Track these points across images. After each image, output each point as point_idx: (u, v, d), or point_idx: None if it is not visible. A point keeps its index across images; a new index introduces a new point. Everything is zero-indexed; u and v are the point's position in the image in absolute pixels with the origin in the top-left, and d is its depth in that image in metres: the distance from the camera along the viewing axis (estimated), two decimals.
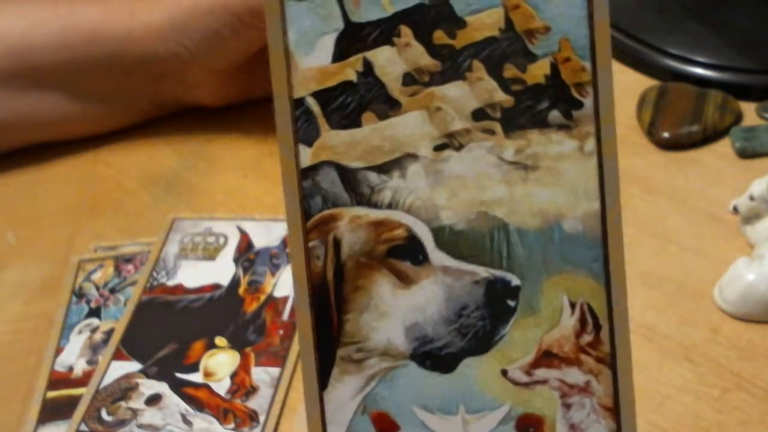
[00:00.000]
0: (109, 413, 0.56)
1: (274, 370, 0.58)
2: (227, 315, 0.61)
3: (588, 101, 0.41)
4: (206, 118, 0.77)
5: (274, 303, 0.62)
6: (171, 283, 0.63)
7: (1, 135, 0.75)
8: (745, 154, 0.69)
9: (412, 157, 0.41)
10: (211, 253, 0.65)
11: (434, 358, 0.42)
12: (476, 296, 0.42)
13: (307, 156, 0.41)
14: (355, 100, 0.41)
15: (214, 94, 0.76)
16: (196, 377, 0.58)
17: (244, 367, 0.58)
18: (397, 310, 0.42)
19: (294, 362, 0.58)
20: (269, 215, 0.67)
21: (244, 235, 0.66)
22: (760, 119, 0.71)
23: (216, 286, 0.63)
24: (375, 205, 0.42)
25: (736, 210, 0.62)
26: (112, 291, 0.64)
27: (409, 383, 0.42)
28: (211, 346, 0.59)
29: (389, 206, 0.42)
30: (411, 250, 0.42)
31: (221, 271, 0.64)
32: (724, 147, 0.70)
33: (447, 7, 0.41)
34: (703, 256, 0.62)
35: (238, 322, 0.61)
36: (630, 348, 0.41)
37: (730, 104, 0.71)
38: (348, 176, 0.42)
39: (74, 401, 0.57)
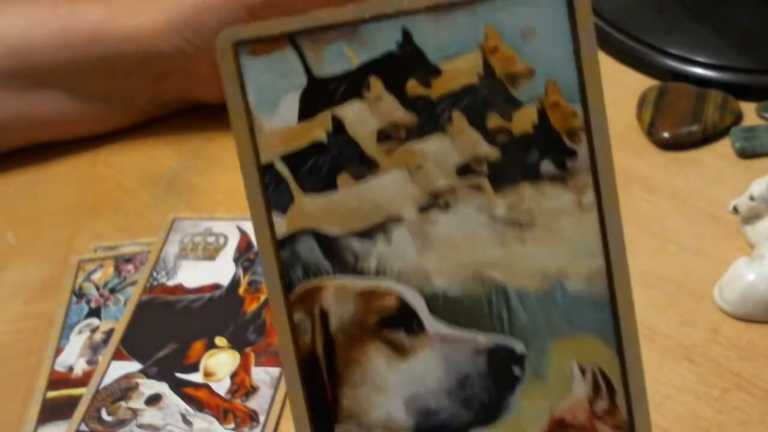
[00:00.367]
0: (109, 413, 0.56)
1: (274, 370, 0.58)
2: (227, 315, 0.61)
3: (582, 149, 0.38)
4: (207, 118, 0.77)
5: None
6: (171, 283, 0.63)
7: (2, 135, 0.75)
8: (745, 154, 0.69)
9: (396, 220, 0.38)
10: (211, 253, 0.65)
11: (439, 430, 0.40)
12: (479, 366, 0.39)
13: (282, 225, 0.39)
14: (328, 162, 0.38)
15: (218, 90, 0.76)
16: (196, 377, 0.58)
17: (244, 367, 0.58)
18: (395, 383, 0.39)
19: None
20: None
21: (244, 235, 0.66)
22: (760, 119, 0.71)
23: (216, 286, 0.63)
24: (361, 273, 0.39)
25: (736, 210, 0.62)
26: (112, 291, 0.64)
27: None
28: (211, 346, 0.59)
29: (376, 274, 0.39)
30: (404, 320, 0.39)
31: (221, 271, 0.64)
32: (724, 147, 0.70)
33: (418, 54, 0.38)
34: (703, 256, 0.62)
35: (238, 322, 0.61)
36: (649, 414, 0.39)
37: (730, 104, 0.71)
38: (328, 244, 0.39)
39: (74, 401, 0.57)
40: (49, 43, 0.72)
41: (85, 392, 0.57)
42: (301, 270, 0.39)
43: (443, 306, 0.39)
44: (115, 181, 0.74)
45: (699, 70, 0.74)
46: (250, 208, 0.39)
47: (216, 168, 0.74)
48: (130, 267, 0.65)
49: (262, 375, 0.58)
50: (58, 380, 0.59)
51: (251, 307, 0.61)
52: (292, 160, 0.38)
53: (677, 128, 0.70)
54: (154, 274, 0.64)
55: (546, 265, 0.38)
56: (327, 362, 0.39)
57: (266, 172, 0.38)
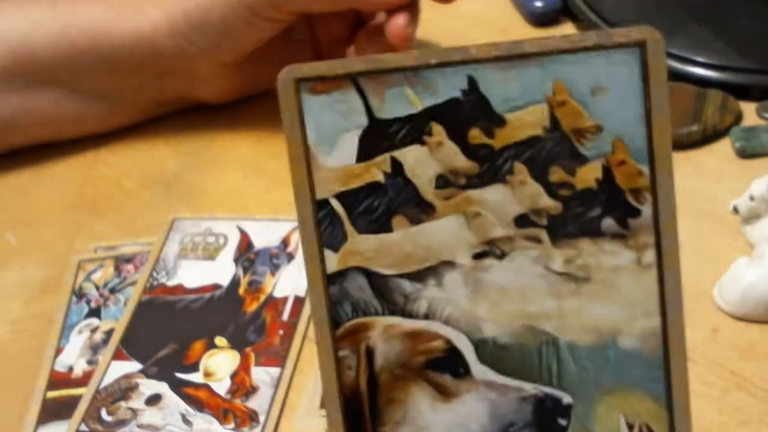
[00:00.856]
0: (109, 413, 0.56)
1: (274, 370, 0.58)
2: (227, 315, 0.61)
3: (646, 209, 0.37)
4: (206, 118, 0.77)
5: (274, 303, 0.61)
6: (171, 283, 0.63)
7: (2, 134, 0.75)
8: (745, 154, 0.69)
9: (449, 265, 0.38)
10: (211, 253, 0.65)
11: None
12: (524, 414, 0.39)
13: (333, 261, 0.39)
14: (384, 203, 0.38)
15: (220, 88, 0.76)
16: (196, 377, 0.58)
17: (244, 367, 0.58)
18: (437, 426, 0.39)
19: (294, 362, 0.58)
20: (269, 215, 0.67)
21: (244, 235, 0.66)
22: (760, 119, 0.71)
23: (216, 286, 0.63)
24: (410, 315, 0.39)
25: (736, 210, 0.62)
26: (112, 291, 0.64)
27: None
28: (211, 346, 0.59)
29: (426, 317, 0.39)
30: (451, 363, 0.39)
31: (221, 271, 0.64)
32: (724, 147, 0.70)
33: (483, 102, 0.37)
34: (702, 256, 0.62)
35: (238, 322, 0.61)
36: None
37: (730, 104, 0.71)
38: (379, 283, 0.39)
39: (74, 401, 0.57)
40: (50, 42, 0.72)
41: (85, 392, 0.57)
42: (349, 306, 0.39)
43: (492, 353, 0.39)
44: (115, 181, 0.74)
45: (699, 70, 0.74)
46: (302, 242, 0.39)
47: (216, 168, 0.73)
48: (130, 267, 0.65)
49: (262, 375, 0.58)
50: (58, 380, 0.59)
51: (251, 307, 0.61)
52: (348, 198, 0.38)
53: (677, 128, 0.70)
54: (154, 274, 0.64)
55: (600, 321, 0.38)
56: (369, 399, 0.39)
57: (321, 208, 0.38)
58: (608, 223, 0.38)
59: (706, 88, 0.73)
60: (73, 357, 0.60)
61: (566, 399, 0.38)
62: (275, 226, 0.66)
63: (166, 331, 0.60)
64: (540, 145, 0.38)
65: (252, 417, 0.56)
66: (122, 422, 0.56)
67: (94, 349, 0.60)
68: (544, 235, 0.38)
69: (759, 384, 0.55)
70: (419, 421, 0.39)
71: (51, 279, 0.66)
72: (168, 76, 0.74)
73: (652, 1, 0.81)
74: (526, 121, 0.37)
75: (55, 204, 0.73)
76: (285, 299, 0.62)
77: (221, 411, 0.56)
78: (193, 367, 0.58)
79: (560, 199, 0.38)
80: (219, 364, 0.58)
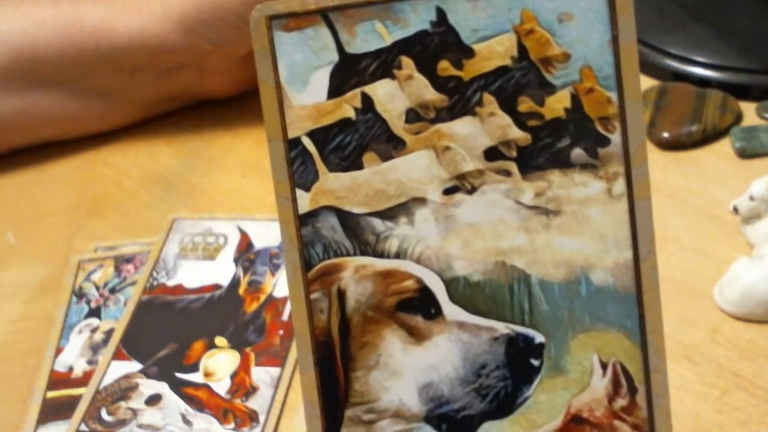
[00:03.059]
0: (109, 413, 0.56)
1: (274, 370, 0.58)
2: (227, 315, 0.61)
3: (615, 137, 0.37)
4: (206, 118, 0.77)
5: (274, 303, 0.61)
6: (171, 283, 0.63)
7: (5, 133, 0.75)
8: (745, 153, 0.69)
9: (420, 201, 0.38)
10: (211, 253, 0.65)
11: (451, 421, 0.39)
12: (496, 354, 0.38)
13: (305, 201, 0.38)
14: (355, 140, 0.38)
15: (230, 80, 0.76)
16: (196, 377, 0.58)
17: (244, 367, 0.58)
18: (409, 369, 0.38)
19: (294, 362, 0.58)
20: (269, 215, 0.67)
21: (244, 235, 0.66)
22: (760, 119, 0.71)
23: (216, 286, 0.63)
24: (381, 255, 0.38)
25: (736, 210, 0.62)
26: (112, 291, 0.64)
27: None
28: (211, 346, 0.59)
29: (397, 256, 0.38)
30: (422, 304, 0.38)
31: (221, 271, 0.64)
32: (724, 147, 0.70)
33: (452, 34, 0.37)
34: (703, 256, 0.62)
35: (238, 322, 0.61)
36: (670, 415, 0.38)
37: (730, 104, 0.71)
38: (350, 223, 0.38)
39: (74, 401, 0.57)
40: (52, 41, 0.72)
41: (85, 392, 0.57)
42: (321, 248, 0.38)
43: (463, 292, 0.38)
44: (115, 181, 0.74)
45: (699, 70, 0.74)
46: (274, 182, 0.38)
47: (216, 168, 0.73)
48: (130, 267, 0.65)
49: (262, 375, 0.58)
50: (58, 380, 0.59)
51: (251, 307, 0.61)
52: (319, 136, 0.38)
53: (677, 128, 0.70)
54: (154, 274, 0.64)
55: (572, 255, 0.38)
56: (341, 344, 0.39)
57: (293, 147, 0.38)
58: (578, 153, 0.37)
59: (706, 87, 0.73)
60: (73, 357, 0.60)
61: (539, 338, 0.38)
62: (275, 226, 0.66)
63: (166, 331, 0.60)
64: (508, 75, 0.37)
65: (252, 417, 0.56)
66: (122, 422, 0.56)
67: (94, 349, 0.60)
68: (513, 167, 0.37)
69: (759, 384, 0.55)
70: (391, 365, 0.38)
71: (51, 279, 0.66)
72: (177, 71, 0.74)
73: (652, 1, 0.81)
74: (495, 51, 0.37)
75: (55, 204, 0.73)
76: (285, 299, 0.62)
77: (221, 411, 0.56)
78: (193, 367, 0.58)
79: (529, 130, 0.37)
80: (219, 364, 0.58)
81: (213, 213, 0.69)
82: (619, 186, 0.37)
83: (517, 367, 0.38)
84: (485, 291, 0.38)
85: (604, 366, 0.38)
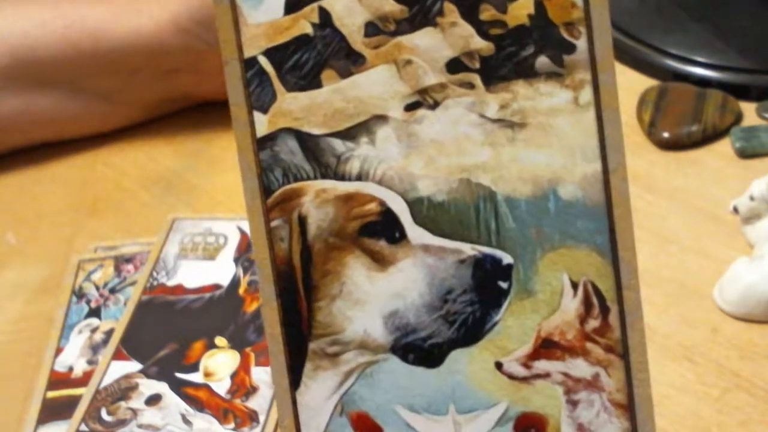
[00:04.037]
0: (109, 413, 0.56)
1: None
2: (227, 315, 0.61)
3: (581, 43, 0.35)
4: (207, 118, 0.77)
5: None
6: (171, 283, 0.63)
7: (4, 133, 0.75)
8: (745, 154, 0.69)
9: (381, 119, 0.36)
10: (211, 253, 0.65)
11: (418, 350, 0.37)
12: (463, 278, 0.37)
13: (263, 124, 0.37)
14: (313, 57, 0.36)
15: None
16: (196, 377, 0.58)
17: (244, 367, 0.58)
18: (373, 297, 0.37)
19: None
20: None
21: (244, 235, 0.66)
22: (760, 119, 0.71)
23: (216, 286, 0.63)
24: (342, 177, 0.37)
25: (736, 210, 0.62)
26: (112, 291, 0.64)
27: (391, 380, 0.38)
28: (211, 346, 0.59)
29: (359, 178, 0.37)
30: (386, 228, 0.37)
31: (221, 271, 0.64)
32: (724, 147, 0.70)
33: None
34: (703, 256, 0.62)
35: (238, 322, 0.61)
36: (644, 334, 0.36)
37: (730, 104, 0.71)
38: (310, 145, 0.37)
39: (74, 401, 0.57)
40: (52, 42, 0.72)
41: (85, 392, 0.57)
42: (280, 172, 0.37)
43: (427, 213, 0.37)
44: (115, 181, 0.74)
45: (699, 70, 0.74)
46: (231, 106, 0.37)
47: (216, 168, 0.73)
48: (130, 267, 0.65)
49: (262, 375, 0.57)
50: (58, 380, 0.58)
51: (251, 307, 0.61)
52: (276, 55, 0.37)
53: (677, 128, 0.70)
54: (154, 274, 0.64)
55: (539, 169, 0.36)
56: (303, 273, 0.37)
57: (249, 67, 0.37)
58: (542, 61, 0.36)
59: (706, 88, 0.73)
60: (73, 357, 0.60)
61: (506, 259, 0.36)
62: None
63: (166, 331, 0.60)
64: None
65: (252, 417, 0.56)
66: (122, 422, 0.56)
67: (94, 349, 0.60)
68: (477, 79, 0.36)
69: (759, 384, 0.55)
70: (355, 293, 0.37)
71: (51, 279, 0.66)
72: (175, 73, 0.74)
73: (652, 1, 0.81)
74: None
75: (55, 204, 0.73)
76: None
77: (221, 411, 0.56)
78: (193, 367, 0.58)
79: (492, 39, 0.36)
80: (219, 364, 0.58)
81: (213, 213, 0.69)
82: (586, 94, 0.36)
83: (485, 290, 0.37)
84: (450, 211, 0.37)
85: (574, 286, 0.37)
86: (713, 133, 0.70)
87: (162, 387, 0.57)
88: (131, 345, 0.60)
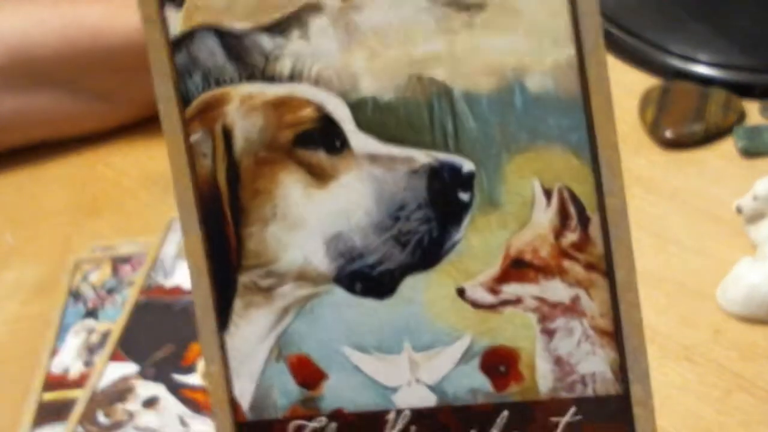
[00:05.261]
0: (105, 415, 0.56)
1: None
2: None
3: None
4: None
5: None
6: (168, 284, 0.63)
7: (3, 133, 0.75)
8: (748, 153, 0.68)
9: (314, 7, 0.31)
10: None
11: (366, 278, 0.33)
12: (416, 191, 0.32)
13: (177, 21, 0.33)
14: None
15: None
16: (194, 379, 0.58)
17: None
18: (312, 218, 0.32)
19: None
20: None
21: None
22: (764, 118, 0.71)
23: None
24: (272, 79, 0.32)
25: (739, 210, 0.61)
26: (110, 292, 0.63)
27: (335, 315, 0.33)
28: None
29: (291, 79, 0.32)
30: (324, 136, 0.32)
31: None
32: (727, 146, 0.69)
33: None
34: (705, 256, 0.62)
35: None
36: (631, 249, 0.32)
37: (733, 103, 0.71)
38: (233, 43, 0.32)
39: (70, 403, 0.57)
40: (51, 41, 0.73)
41: (82, 394, 0.57)
42: (200, 77, 0.33)
43: (373, 116, 0.32)
44: (115, 181, 0.74)
45: (702, 69, 0.74)
46: (138, 3, 0.33)
47: None
48: (127, 268, 0.65)
49: None
50: (53, 382, 0.58)
51: None
52: None
53: (680, 127, 0.70)
54: (152, 275, 0.64)
55: (501, 58, 0.31)
56: (230, 194, 0.33)
57: None
58: None
59: (709, 86, 0.72)
60: (69, 358, 0.60)
61: (467, 166, 0.31)
62: None
63: (163, 332, 0.60)
64: None
65: None
66: (119, 424, 0.56)
67: (91, 350, 0.60)
68: None
69: (761, 385, 0.54)
70: (291, 215, 0.33)
71: (48, 279, 0.65)
72: None
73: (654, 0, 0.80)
74: None
75: (53, 204, 0.73)
76: None
77: None
78: (191, 369, 0.58)
79: None
80: None
81: None
82: None
83: (443, 204, 0.32)
84: (399, 113, 0.31)
85: (547, 194, 0.32)
86: (716, 133, 0.70)
87: (159, 389, 0.57)
88: (128, 346, 0.60)
